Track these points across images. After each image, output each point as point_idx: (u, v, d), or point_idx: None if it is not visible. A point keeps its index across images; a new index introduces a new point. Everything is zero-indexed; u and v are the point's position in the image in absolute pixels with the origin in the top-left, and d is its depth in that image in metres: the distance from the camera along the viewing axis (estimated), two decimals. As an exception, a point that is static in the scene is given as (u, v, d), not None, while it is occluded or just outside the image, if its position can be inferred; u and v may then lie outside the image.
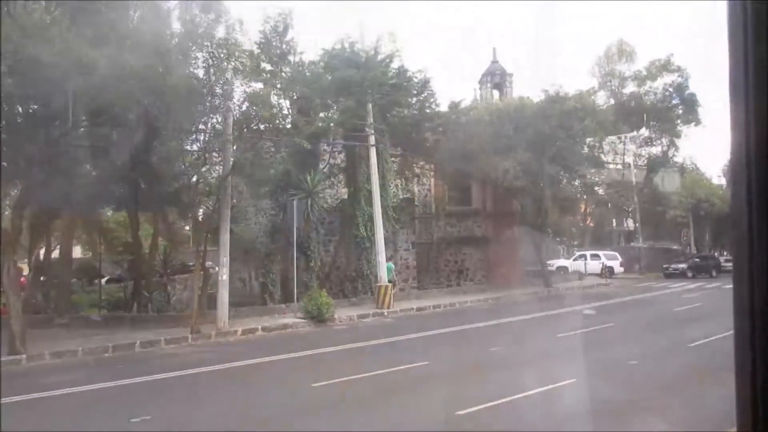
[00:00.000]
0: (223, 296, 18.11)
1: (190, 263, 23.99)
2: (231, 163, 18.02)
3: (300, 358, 13.87)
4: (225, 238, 18.23)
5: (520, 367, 12.28)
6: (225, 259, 18.32)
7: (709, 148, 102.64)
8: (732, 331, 1.69)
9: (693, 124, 49.73)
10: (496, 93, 38.29)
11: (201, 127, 17.59)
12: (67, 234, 21.29)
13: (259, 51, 23.50)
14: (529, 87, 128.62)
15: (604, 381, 10.99)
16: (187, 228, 27.17)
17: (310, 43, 36.52)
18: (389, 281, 26.53)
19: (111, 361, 14.35)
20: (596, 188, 44.00)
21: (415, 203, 33.07)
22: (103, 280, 40.08)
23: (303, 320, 19.46)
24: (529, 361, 13.01)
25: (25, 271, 23.78)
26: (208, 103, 16.68)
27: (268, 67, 23.91)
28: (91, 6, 12.79)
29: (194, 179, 17.47)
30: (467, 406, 9.00)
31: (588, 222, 55.68)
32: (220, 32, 16.75)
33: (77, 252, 43.06)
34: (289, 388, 10.83)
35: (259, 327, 18.36)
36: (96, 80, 12.23)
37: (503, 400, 9.37)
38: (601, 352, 13.91)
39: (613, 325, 17.85)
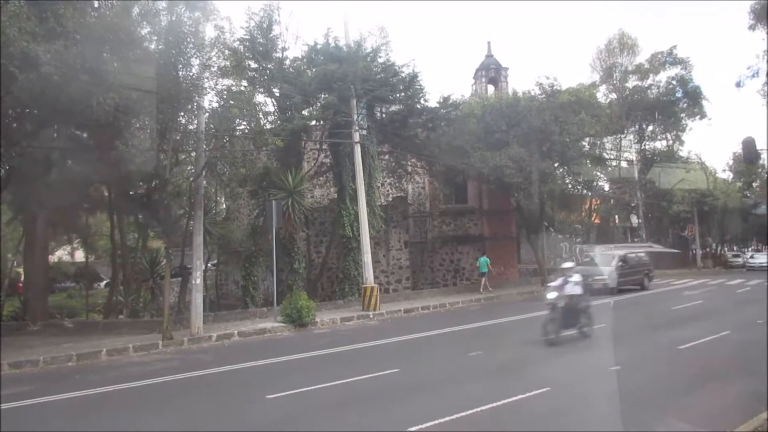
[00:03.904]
0: (197, 300, 17.48)
1: (188, 266, 23.55)
2: (203, 162, 17.42)
3: (266, 366, 13.18)
4: (198, 240, 17.59)
5: (495, 375, 11.55)
6: (198, 262, 17.69)
7: (714, 142, 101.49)
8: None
9: (698, 117, 48.91)
10: (491, 88, 37.48)
11: (171, 125, 16.88)
12: (42, 238, 20.71)
13: (242, 48, 23.01)
14: (526, 81, 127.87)
15: (580, 390, 10.22)
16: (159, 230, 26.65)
17: (298, 39, 35.83)
18: (482, 274, 29.38)
19: (71, 371, 13.72)
20: (598, 184, 43.22)
21: (409, 201, 32.38)
22: (102, 284, 39.80)
23: (282, 324, 18.78)
24: (507, 367, 12.27)
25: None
26: (176, 103, 15.97)
27: (252, 64, 23.40)
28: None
29: (164, 180, 16.72)
30: (423, 421, 8.26)
31: (594, 218, 54.77)
32: (209, 31, 16.22)
33: (79, 256, 42.87)
34: (241, 400, 10.12)
35: (235, 332, 17.70)
36: (42, 76, 11.57)
37: (465, 414, 8.62)
38: (584, 357, 13.16)
39: (605, 326, 17.01)
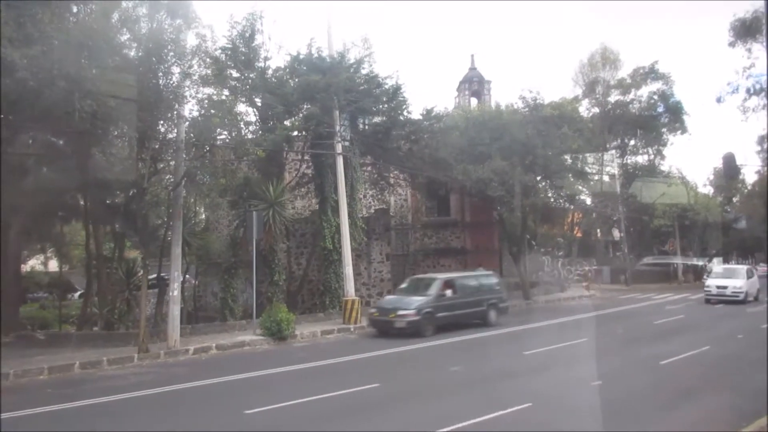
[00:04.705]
0: (174, 313, 17.25)
1: (166, 277, 23.29)
2: (183, 172, 17.28)
3: (245, 380, 13.05)
4: (177, 251, 17.42)
5: (476, 390, 11.55)
6: (176, 274, 17.51)
7: (695, 157, 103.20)
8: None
9: (679, 132, 49.60)
10: (474, 100, 37.76)
11: (150, 134, 16.75)
12: (14, 246, 20.36)
13: (224, 57, 22.97)
14: (509, 95, 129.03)
15: (562, 405, 10.25)
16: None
17: (280, 49, 35.75)
18: None
19: (43, 384, 13.43)
20: (580, 198, 43.59)
21: (391, 214, 32.40)
22: (76, 295, 39.15)
23: (262, 337, 18.61)
24: (488, 381, 12.28)
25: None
26: (155, 111, 15.85)
27: (234, 73, 23.35)
28: (15, 3, 12.00)
29: (142, 189, 16.58)
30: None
31: (576, 232, 55.20)
32: (190, 39, 16.16)
33: (53, 265, 42.18)
34: (219, 415, 10.00)
35: (213, 345, 17.47)
36: (18, 82, 11.43)
37: (445, 430, 8.60)
38: (565, 371, 13.22)
39: (586, 340, 17.14)
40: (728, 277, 29.83)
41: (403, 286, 22.11)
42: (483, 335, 19.35)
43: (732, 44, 23.69)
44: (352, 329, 20.99)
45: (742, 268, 32.24)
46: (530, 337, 18.90)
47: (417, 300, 19.56)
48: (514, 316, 23.73)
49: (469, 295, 20.96)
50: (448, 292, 20.37)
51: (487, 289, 22.11)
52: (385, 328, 19.32)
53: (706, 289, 29.88)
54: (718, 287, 28.95)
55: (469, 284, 21.63)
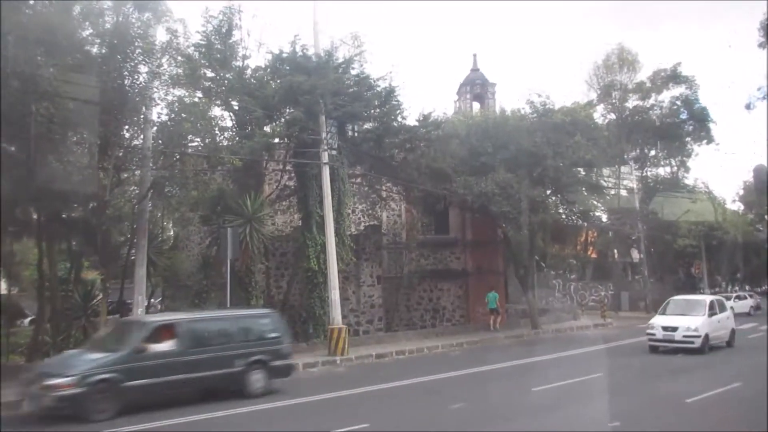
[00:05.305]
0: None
1: (128, 301, 23.21)
2: (149, 183, 17.37)
3: (212, 420, 12.95)
4: (141, 272, 17.48)
5: None
6: (140, 298, 17.58)
7: (723, 169, 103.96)
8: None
9: (705, 141, 49.94)
10: (477, 105, 38.07)
11: (114, 140, 16.84)
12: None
13: (198, 55, 23.10)
14: (516, 99, 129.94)
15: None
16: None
17: (261, 46, 36.05)
18: (492, 310, 29.13)
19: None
20: (595, 214, 43.82)
21: (383, 231, 32.47)
22: (26, 321, 38.85)
23: (236, 370, 18.50)
24: (493, 422, 12.34)
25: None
26: (120, 115, 15.98)
27: (209, 73, 23.48)
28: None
29: (103, 202, 16.64)
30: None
31: (590, 252, 55.47)
32: (160, 34, 16.32)
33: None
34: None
35: (181, 379, 17.33)
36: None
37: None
38: (578, 410, 13.27)
39: (601, 375, 17.20)
40: (683, 312, 22.98)
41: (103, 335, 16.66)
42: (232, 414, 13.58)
43: (762, 45, 24.02)
44: (338, 361, 20.99)
45: (704, 299, 24.55)
46: (536, 371, 18.96)
47: (90, 360, 13.62)
48: (524, 346, 23.79)
49: (210, 348, 14.94)
50: (163, 345, 14.27)
51: (254, 337, 16.07)
52: None
53: (649, 332, 22.90)
54: (666, 329, 22.15)
55: (210, 329, 15.58)
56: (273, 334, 16.35)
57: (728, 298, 41.97)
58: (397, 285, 32.40)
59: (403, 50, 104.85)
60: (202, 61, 23.04)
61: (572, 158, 27.84)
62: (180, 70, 17.28)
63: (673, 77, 48.48)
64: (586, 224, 42.45)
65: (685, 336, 21.63)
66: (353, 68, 25.09)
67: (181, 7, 53.82)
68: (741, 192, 59.87)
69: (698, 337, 21.54)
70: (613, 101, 49.73)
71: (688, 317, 22.37)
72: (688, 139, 50.29)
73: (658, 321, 22.82)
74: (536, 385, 15.75)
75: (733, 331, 24.12)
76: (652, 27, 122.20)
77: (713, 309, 23.07)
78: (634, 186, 45.76)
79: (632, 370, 19.06)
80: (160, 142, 16.96)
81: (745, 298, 44.19)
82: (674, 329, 21.87)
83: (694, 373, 17.94)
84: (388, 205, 32.29)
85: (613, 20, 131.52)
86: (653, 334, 22.49)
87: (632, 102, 49.98)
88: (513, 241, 32.06)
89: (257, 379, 15.32)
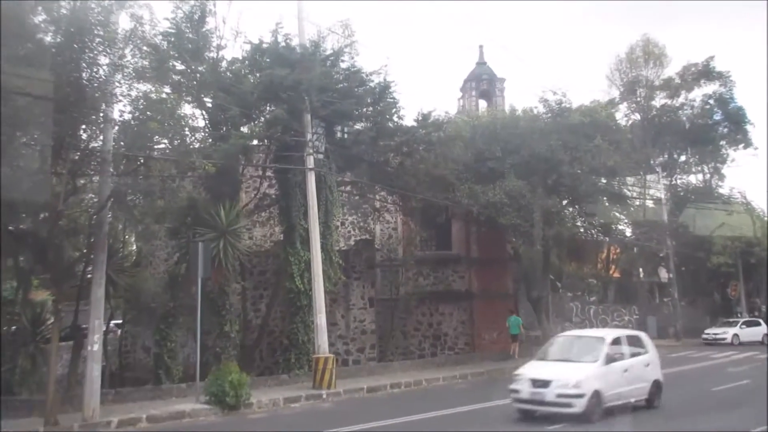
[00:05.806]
0: (94, 373, 17.10)
1: (84, 326, 23.15)
2: (109, 190, 17.31)
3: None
4: (99, 293, 17.33)
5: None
6: (97, 322, 17.41)
7: (762, 177, 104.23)
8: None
9: (741, 146, 50.14)
10: (483, 103, 38.21)
11: (69, 141, 16.78)
12: None
13: (166, 45, 23.11)
14: (527, 96, 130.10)
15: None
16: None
17: (238, 36, 36.22)
18: (514, 336, 29.74)
19: None
20: (618, 228, 43.84)
21: (376, 246, 32.47)
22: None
23: (207, 407, 18.51)
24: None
25: None
26: (76, 113, 15.92)
27: (179, 66, 23.51)
28: None
29: (56, 212, 16.56)
30: None
31: (612, 271, 55.53)
32: (123, 21, 16.28)
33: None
34: None
35: (144, 416, 17.35)
36: None
37: None
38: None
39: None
40: (567, 357, 17.36)
41: None
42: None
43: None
44: (324, 395, 20.95)
45: (605, 336, 18.17)
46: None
47: None
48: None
49: None
50: None
51: None
52: None
53: (512, 387, 16.81)
54: (535, 383, 16.21)
55: None
56: None
57: (734, 324, 42.13)
58: (392, 308, 32.39)
59: (400, 41, 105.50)
60: (171, 52, 23.06)
61: (591, 164, 27.94)
62: (146, 62, 17.22)
63: (706, 73, 48.82)
64: (607, 239, 42.49)
65: (559, 395, 15.74)
66: (343, 61, 25.29)
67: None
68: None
69: (580, 396, 15.58)
70: (638, 100, 50.05)
71: (572, 364, 16.84)
72: (722, 142, 50.63)
73: (528, 371, 16.99)
74: (549, 425, 15.65)
75: (657, 384, 18.07)
76: (684, 19, 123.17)
77: (618, 351, 17.37)
78: (662, 196, 45.92)
79: (660, 407, 18.59)
80: (122, 144, 16.90)
81: (758, 324, 43.54)
82: (545, 384, 16.03)
83: (732, 410, 17.81)
84: (383, 216, 32.35)
85: (640, 7, 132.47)
86: (517, 391, 16.59)
87: (659, 101, 50.35)
88: (524, 259, 32.16)
89: None
